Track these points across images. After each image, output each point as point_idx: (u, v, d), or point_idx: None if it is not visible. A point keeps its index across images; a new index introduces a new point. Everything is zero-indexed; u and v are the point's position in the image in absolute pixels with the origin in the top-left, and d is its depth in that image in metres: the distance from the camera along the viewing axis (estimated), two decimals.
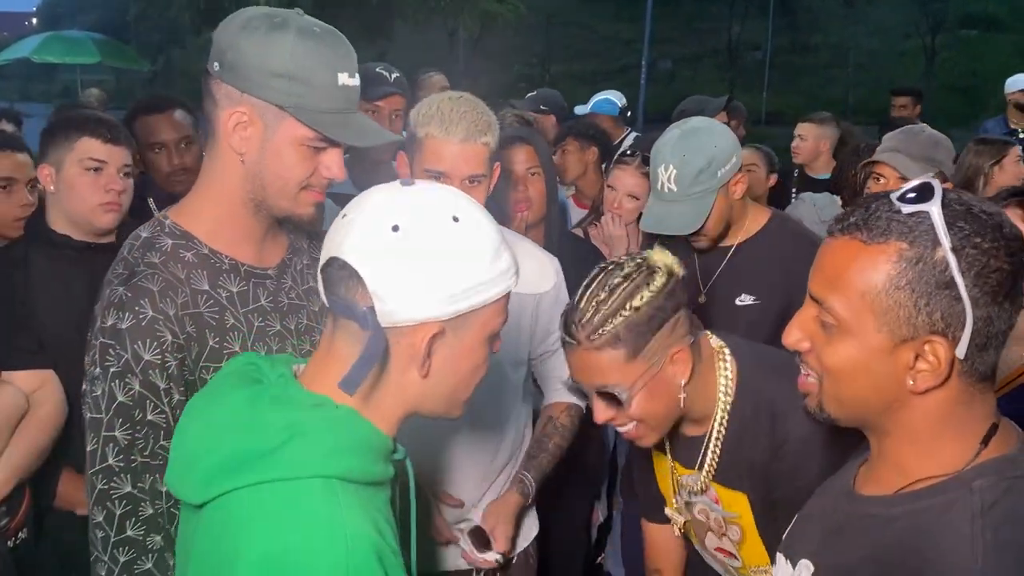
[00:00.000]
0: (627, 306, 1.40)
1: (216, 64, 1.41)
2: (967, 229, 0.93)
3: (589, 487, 2.91)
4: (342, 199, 2.68)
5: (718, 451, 1.57)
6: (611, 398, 1.46)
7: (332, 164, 1.47)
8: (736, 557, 1.65)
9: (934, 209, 0.94)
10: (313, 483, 0.99)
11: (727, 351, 1.57)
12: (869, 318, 0.97)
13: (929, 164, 2.63)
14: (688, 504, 1.68)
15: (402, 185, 1.07)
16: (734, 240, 2.34)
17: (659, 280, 1.42)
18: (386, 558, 1.00)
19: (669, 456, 1.67)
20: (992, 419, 1.01)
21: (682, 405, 1.49)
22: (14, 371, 2.03)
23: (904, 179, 2.50)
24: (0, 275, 2.12)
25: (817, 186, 4.25)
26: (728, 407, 1.55)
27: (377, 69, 2.87)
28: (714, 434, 1.56)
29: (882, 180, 2.68)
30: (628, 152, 2.86)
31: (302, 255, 1.67)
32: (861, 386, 1.01)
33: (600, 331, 1.40)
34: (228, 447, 1.02)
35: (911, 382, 0.98)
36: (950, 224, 0.93)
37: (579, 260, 2.32)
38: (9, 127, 4.06)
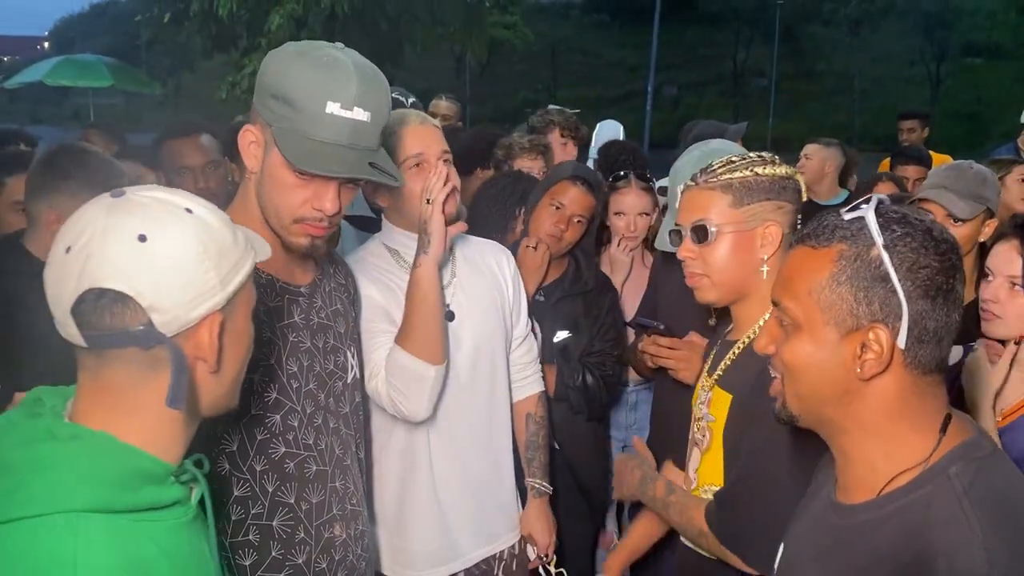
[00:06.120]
0: (751, 170, 1.63)
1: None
2: (899, 231, 1.05)
3: (592, 512, 2.89)
4: (358, 221, 2.67)
5: (735, 356, 1.67)
6: (701, 232, 1.63)
7: (323, 197, 1.45)
8: (693, 479, 1.73)
9: (869, 214, 1.07)
10: (55, 520, 0.94)
11: None
12: (817, 313, 1.08)
13: (977, 201, 2.46)
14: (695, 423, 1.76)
15: (113, 198, 1.01)
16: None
17: (783, 169, 1.65)
18: None
19: (707, 364, 1.78)
20: (945, 410, 1.09)
21: (762, 278, 1.61)
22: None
23: (951, 217, 2.41)
24: (13, 298, 2.13)
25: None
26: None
27: (393, 94, 2.86)
28: (743, 339, 1.67)
29: None
30: (622, 174, 2.85)
31: (329, 278, 1.70)
32: (815, 378, 1.10)
33: (719, 177, 1.63)
34: None
35: (859, 370, 1.06)
36: (883, 227, 1.06)
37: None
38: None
